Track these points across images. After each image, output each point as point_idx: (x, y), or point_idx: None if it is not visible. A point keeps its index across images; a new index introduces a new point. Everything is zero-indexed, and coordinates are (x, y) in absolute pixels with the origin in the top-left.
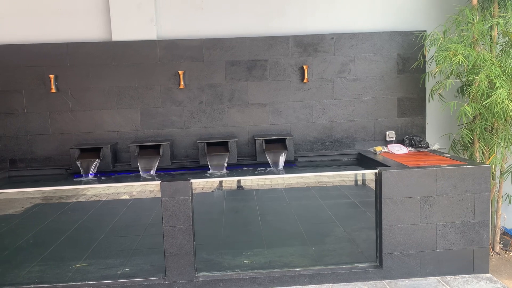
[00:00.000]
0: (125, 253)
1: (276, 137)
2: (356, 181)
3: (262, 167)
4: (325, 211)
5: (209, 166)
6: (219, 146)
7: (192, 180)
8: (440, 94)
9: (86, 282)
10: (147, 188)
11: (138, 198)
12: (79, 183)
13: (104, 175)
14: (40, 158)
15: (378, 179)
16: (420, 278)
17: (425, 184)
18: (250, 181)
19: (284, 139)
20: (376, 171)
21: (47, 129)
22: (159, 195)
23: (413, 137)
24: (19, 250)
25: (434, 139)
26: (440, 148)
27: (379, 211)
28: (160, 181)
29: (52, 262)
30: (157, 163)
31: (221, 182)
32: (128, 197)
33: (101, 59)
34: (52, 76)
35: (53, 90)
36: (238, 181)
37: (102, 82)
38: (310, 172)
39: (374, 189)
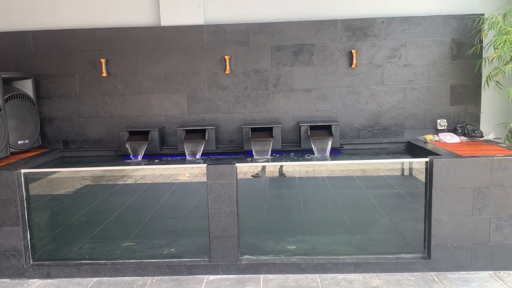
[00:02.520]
0: (170, 234)
1: (322, 124)
2: (402, 170)
3: (307, 153)
4: (370, 200)
5: (253, 152)
6: (263, 131)
7: (237, 164)
8: (497, 81)
9: (134, 261)
10: (192, 171)
11: (183, 182)
12: (129, 164)
13: (151, 158)
14: (91, 140)
15: (429, 168)
16: (471, 272)
17: (480, 175)
18: (292, 168)
19: (330, 125)
20: (427, 159)
21: (98, 112)
22: (203, 179)
23: (466, 126)
24: (71, 228)
25: (488, 129)
26: (495, 138)
27: (429, 201)
28: (206, 164)
29: (102, 240)
30: (202, 147)
31: (263, 168)
32: (187, 177)
33: (149, 44)
34: (103, 61)
35: (104, 74)
36: (280, 169)
37: (151, 66)
38: (356, 159)
39: (424, 178)
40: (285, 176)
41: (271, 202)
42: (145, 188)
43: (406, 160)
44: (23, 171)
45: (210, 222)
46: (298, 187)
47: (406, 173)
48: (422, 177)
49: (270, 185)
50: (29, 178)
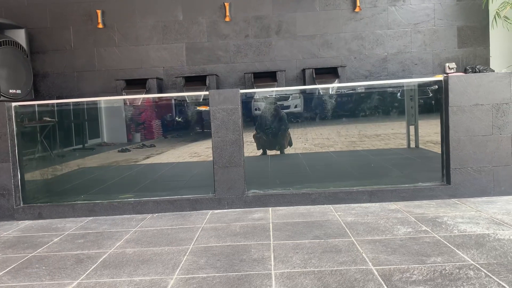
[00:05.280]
0: (171, 189)
1: (327, 66)
2: (409, 143)
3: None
4: (378, 161)
5: None
6: (266, 77)
7: (241, 91)
8: (505, 17)
9: (132, 200)
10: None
11: (182, 161)
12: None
13: None
14: (87, 95)
15: (444, 87)
16: (494, 197)
17: (498, 90)
18: (294, 149)
19: (336, 68)
20: (442, 78)
21: (93, 65)
22: (202, 158)
23: (476, 66)
24: (67, 188)
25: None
26: None
27: (446, 121)
28: (208, 90)
29: (99, 194)
30: (203, 95)
31: (265, 150)
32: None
33: None
34: (99, 11)
35: (100, 26)
36: (282, 150)
37: (148, 16)
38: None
39: (441, 97)
40: (284, 153)
41: (274, 167)
42: (151, 164)
43: (419, 80)
44: (14, 104)
45: (214, 152)
46: (301, 158)
47: (413, 145)
48: (429, 148)
49: (271, 161)
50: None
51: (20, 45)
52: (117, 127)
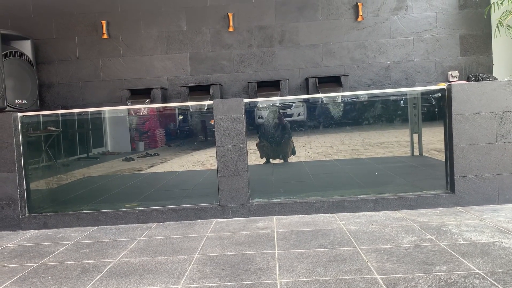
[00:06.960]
0: (175, 198)
1: (330, 75)
2: (412, 150)
3: None
4: (382, 169)
5: None
6: (270, 86)
7: (245, 100)
8: (508, 25)
9: (137, 209)
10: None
11: (186, 170)
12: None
13: None
14: (92, 105)
15: (447, 95)
16: (499, 205)
17: (501, 98)
18: (297, 157)
19: (339, 77)
20: (445, 86)
21: (98, 75)
22: (206, 167)
23: (479, 74)
24: (72, 198)
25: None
26: None
27: (449, 129)
28: (212, 100)
29: (104, 204)
30: (207, 104)
31: (269, 158)
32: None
33: (151, 3)
34: (104, 22)
35: (105, 36)
36: (285, 158)
37: (152, 27)
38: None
39: (444, 105)
40: (288, 162)
41: (277, 175)
42: (155, 173)
43: (422, 89)
44: (20, 114)
45: (218, 161)
46: (305, 166)
47: (416, 153)
48: (433, 155)
49: (275, 169)
50: None
51: (26, 56)
52: (121, 136)
